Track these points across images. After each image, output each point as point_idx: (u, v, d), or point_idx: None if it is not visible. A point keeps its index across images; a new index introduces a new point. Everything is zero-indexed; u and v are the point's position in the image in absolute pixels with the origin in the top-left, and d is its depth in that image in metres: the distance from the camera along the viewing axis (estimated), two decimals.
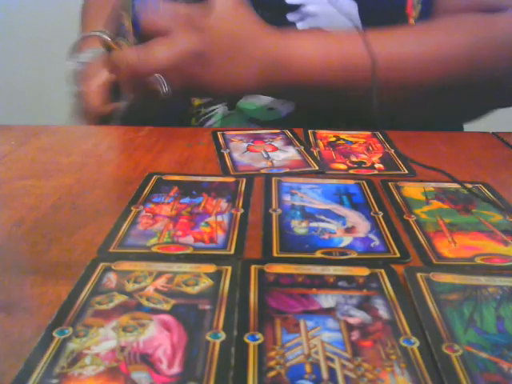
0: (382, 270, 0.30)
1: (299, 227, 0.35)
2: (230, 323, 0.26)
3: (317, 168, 0.45)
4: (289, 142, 0.51)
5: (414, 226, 0.36)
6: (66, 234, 0.34)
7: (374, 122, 0.52)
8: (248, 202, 0.39)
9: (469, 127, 0.69)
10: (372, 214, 0.37)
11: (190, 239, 0.33)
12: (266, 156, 0.48)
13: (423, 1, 0.61)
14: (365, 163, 0.47)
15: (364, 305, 0.27)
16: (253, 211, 0.37)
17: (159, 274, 0.29)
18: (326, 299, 0.28)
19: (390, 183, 0.42)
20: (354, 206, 0.38)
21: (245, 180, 0.42)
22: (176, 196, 0.39)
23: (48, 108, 1.28)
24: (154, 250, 0.32)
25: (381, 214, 0.37)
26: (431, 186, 0.42)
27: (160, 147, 0.51)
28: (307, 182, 0.42)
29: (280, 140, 0.52)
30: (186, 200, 0.39)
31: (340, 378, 0.23)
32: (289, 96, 0.59)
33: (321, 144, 0.51)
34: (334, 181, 0.43)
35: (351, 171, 0.45)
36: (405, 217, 0.37)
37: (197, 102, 0.66)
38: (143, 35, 0.51)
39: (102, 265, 0.30)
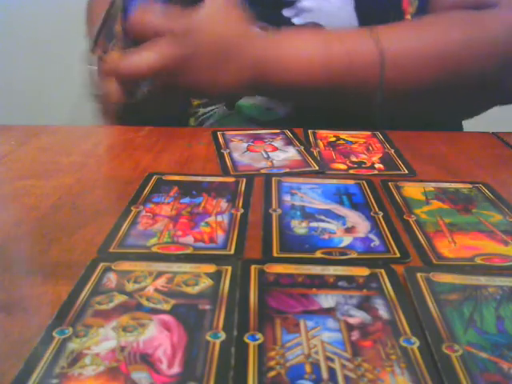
0: (382, 270, 0.30)
1: (299, 227, 0.35)
2: (230, 323, 0.26)
3: (317, 168, 0.45)
4: (289, 142, 0.51)
5: (413, 225, 0.36)
6: (66, 234, 0.34)
7: (375, 121, 0.52)
8: (248, 202, 0.39)
9: (469, 127, 0.69)
10: (372, 213, 0.37)
11: (190, 239, 0.33)
12: (265, 156, 0.48)
13: None
14: (365, 163, 0.47)
15: (364, 305, 0.27)
16: (253, 211, 0.37)
17: (159, 274, 0.29)
18: (326, 299, 0.28)
19: (390, 183, 0.42)
20: (354, 206, 0.38)
21: (245, 180, 0.42)
22: (176, 196, 0.39)
23: (48, 108, 1.28)
24: (154, 249, 0.32)
25: (381, 213, 0.37)
26: (431, 186, 0.42)
27: (160, 147, 0.51)
28: (307, 182, 0.42)
29: (280, 140, 0.52)
30: (186, 200, 0.39)
31: (340, 378, 0.23)
32: (285, 97, 0.59)
33: (321, 144, 0.51)
34: (334, 181, 0.43)
35: (351, 171, 0.45)
36: (405, 217, 0.37)
37: (196, 102, 0.67)
38: (132, 39, 0.52)
39: (101, 265, 0.30)
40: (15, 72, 1.31)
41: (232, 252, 0.32)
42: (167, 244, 0.33)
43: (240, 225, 0.35)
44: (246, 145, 0.51)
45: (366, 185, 0.42)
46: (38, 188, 0.41)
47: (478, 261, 0.32)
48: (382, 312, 0.27)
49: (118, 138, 0.54)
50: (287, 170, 0.45)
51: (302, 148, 0.50)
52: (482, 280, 0.30)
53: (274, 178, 0.43)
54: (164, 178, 0.43)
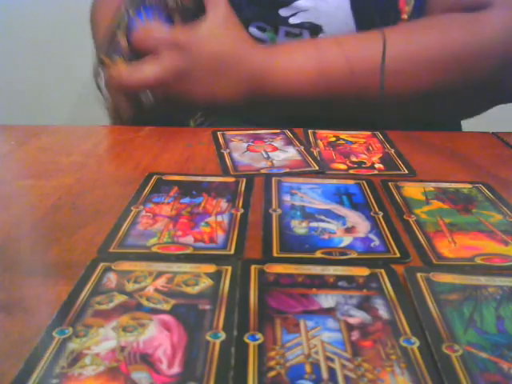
0: (382, 270, 0.30)
1: (299, 227, 0.35)
2: (230, 323, 0.26)
3: (317, 168, 0.45)
4: (289, 142, 0.51)
5: (413, 225, 0.36)
6: (66, 234, 0.34)
7: (375, 122, 0.53)
8: (248, 202, 0.39)
9: (469, 127, 0.69)
10: (372, 214, 0.37)
11: (190, 239, 0.34)
12: (266, 156, 0.48)
13: None
14: (365, 163, 0.47)
15: (364, 305, 0.27)
16: (253, 211, 0.37)
17: (159, 274, 0.29)
18: (326, 299, 0.28)
19: (390, 183, 0.42)
20: (354, 206, 0.38)
21: (245, 180, 0.42)
22: (176, 196, 0.39)
23: (48, 108, 1.28)
24: (154, 249, 0.32)
25: (381, 213, 0.37)
26: (431, 186, 0.42)
27: (160, 147, 0.51)
28: (307, 182, 0.42)
29: (280, 140, 0.52)
30: (186, 200, 0.39)
31: (340, 378, 0.23)
32: (284, 110, 0.60)
33: (321, 144, 0.51)
34: (334, 181, 0.43)
35: (351, 171, 0.45)
36: (405, 217, 0.37)
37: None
38: (137, 53, 0.54)
39: (101, 265, 0.30)
40: (15, 72, 1.31)
41: (232, 252, 0.32)
42: (167, 244, 0.33)
43: (240, 225, 0.35)
44: (245, 145, 0.51)
45: (365, 185, 0.42)
46: (38, 188, 0.41)
47: (478, 261, 0.32)
48: (382, 312, 0.27)
49: (118, 138, 0.54)
50: (287, 169, 0.45)
51: (302, 148, 0.50)
52: (481, 280, 0.30)
53: (274, 178, 0.43)
54: (164, 178, 0.43)
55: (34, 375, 0.22)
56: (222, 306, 0.27)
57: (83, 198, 0.40)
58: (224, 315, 0.26)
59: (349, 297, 0.28)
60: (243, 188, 0.41)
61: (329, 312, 0.27)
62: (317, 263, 0.31)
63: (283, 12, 0.61)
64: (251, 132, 0.54)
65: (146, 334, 0.25)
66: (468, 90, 0.57)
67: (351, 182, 0.43)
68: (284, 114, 0.60)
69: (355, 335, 0.25)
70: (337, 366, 0.23)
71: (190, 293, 0.28)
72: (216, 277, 0.29)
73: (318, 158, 0.48)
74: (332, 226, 0.36)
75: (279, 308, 0.27)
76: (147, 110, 0.56)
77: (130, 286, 0.28)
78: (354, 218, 0.37)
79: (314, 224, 0.36)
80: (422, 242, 0.34)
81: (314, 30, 0.61)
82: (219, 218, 0.36)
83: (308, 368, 0.23)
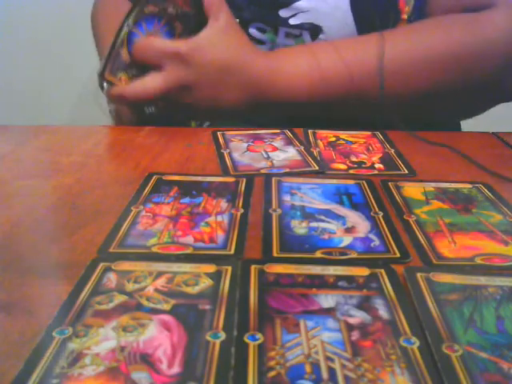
0: (382, 270, 0.30)
1: (299, 227, 0.35)
2: (230, 323, 0.26)
3: (317, 168, 0.45)
4: (289, 142, 0.51)
5: (413, 225, 0.36)
6: (66, 234, 0.34)
7: (375, 123, 0.52)
8: (248, 202, 0.39)
9: (469, 127, 0.69)
10: (372, 213, 0.37)
11: (190, 239, 0.34)
12: (266, 156, 0.48)
13: None
14: (365, 163, 0.47)
15: (364, 305, 0.27)
16: (253, 211, 0.37)
17: (159, 274, 0.29)
18: (326, 299, 0.28)
19: (389, 183, 0.42)
20: (354, 206, 0.38)
21: (245, 180, 0.42)
22: (176, 196, 0.39)
23: (48, 108, 1.28)
24: (154, 250, 0.32)
25: (381, 213, 0.37)
26: (431, 186, 0.42)
27: (160, 147, 0.51)
28: (307, 182, 0.42)
29: (280, 140, 0.52)
30: (186, 200, 0.39)
31: (340, 378, 0.23)
32: (286, 112, 0.60)
33: (321, 144, 0.51)
34: (334, 181, 0.43)
35: (351, 171, 0.45)
36: (405, 217, 0.37)
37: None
38: (139, 64, 0.55)
39: (101, 265, 0.30)
40: (15, 72, 1.31)
41: (232, 252, 0.32)
42: (167, 244, 0.33)
43: (240, 225, 0.35)
44: (245, 145, 0.51)
45: (365, 185, 0.42)
46: (38, 188, 0.41)
47: (478, 261, 0.32)
48: (382, 312, 0.27)
49: (118, 138, 0.54)
50: (287, 170, 0.45)
51: (302, 148, 0.50)
52: (481, 280, 0.30)
53: (274, 178, 0.43)
54: (164, 178, 0.43)
55: (34, 375, 0.22)
56: (222, 306, 0.27)
57: (83, 198, 0.40)
58: (224, 315, 0.26)
59: (349, 297, 0.28)
60: (243, 188, 0.41)
61: (329, 312, 0.27)
62: (317, 263, 0.31)
63: (283, 13, 0.62)
64: (251, 132, 0.54)
65: (146, 334, 0.25)
66: (468, 90, 0.57)
67: (351, 182, 0.43)
68: (284, 114, 0.61)
69: (355, 335, 0.25)
70: (337, 366, 0.23)
71: (190, 293, 0.28)
72: (216, 277, 0.29)
73: (318, 158, 0.48)
74: (332, 226, 0.36)
75: (279, 308, 0.27)
76: (150, 118, 0.57)
77: (130, 286, 0.28)
78: (354, 218, 0.37)
79: (314, 224, 0.36)
80: (422, 242, 0.34)
81: (314, 30, 0.61)
82: (219, 218, 0.36)
83: (308, 368, 0.23)
